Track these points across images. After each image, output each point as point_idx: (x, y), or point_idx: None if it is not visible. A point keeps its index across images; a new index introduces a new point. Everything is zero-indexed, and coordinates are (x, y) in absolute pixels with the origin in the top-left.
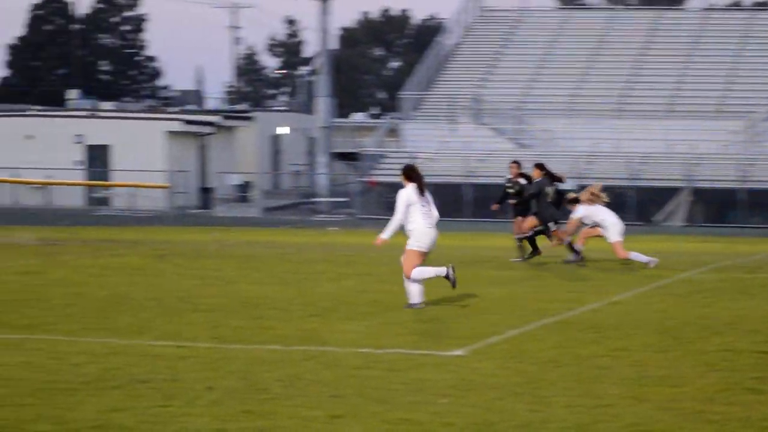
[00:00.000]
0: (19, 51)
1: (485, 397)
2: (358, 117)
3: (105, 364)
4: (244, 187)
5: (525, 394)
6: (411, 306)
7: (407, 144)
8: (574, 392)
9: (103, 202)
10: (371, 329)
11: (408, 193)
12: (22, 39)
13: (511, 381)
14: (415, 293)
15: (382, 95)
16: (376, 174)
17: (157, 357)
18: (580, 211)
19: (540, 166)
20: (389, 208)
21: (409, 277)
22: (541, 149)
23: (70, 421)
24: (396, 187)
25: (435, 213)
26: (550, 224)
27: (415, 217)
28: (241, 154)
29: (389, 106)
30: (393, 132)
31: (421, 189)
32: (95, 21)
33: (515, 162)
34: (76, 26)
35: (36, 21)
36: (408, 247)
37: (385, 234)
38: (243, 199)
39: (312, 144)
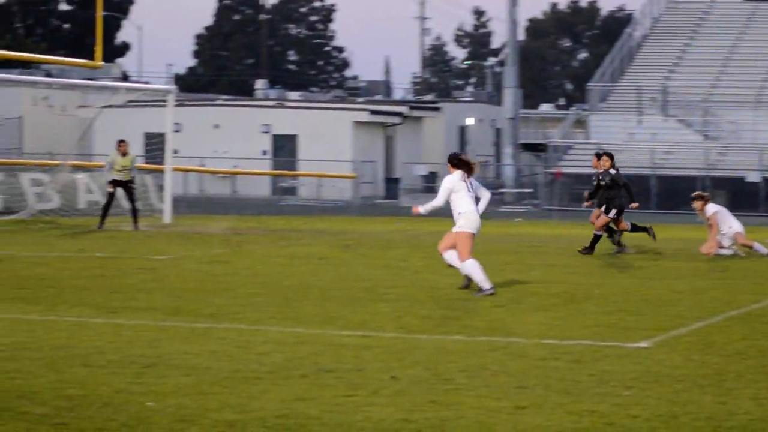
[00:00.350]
0: (206, 41)
1: (670, 389)
2: (544, 108)
3: (290, 353)
4: (430, 177)
5: (710, 386)
6: (483, 292)
7: (594, 135)
8: (760, 385)
9: (289, 191)
10: (557, 320)
11: (452, 179)
12: (209, 29)
13: (696, 373)
14: (482, 279)
15: (569, 86)
16: (562, 165)
17: (343, 347)
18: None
19: (611, 156)
20: (575, 199)
21: (464, 260)
22: (726, 141)
23: (254, 409)
24: (582, 178)
25: (486, 194)
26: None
27: (463, 202)
28: (428, 145)
29: (576, 98)
30: (580, 123)
31: (469, 175)
32: (283, 11)
33: (607, 154)
34: (264, 16)
35: (224, 11)
36: (459, 230)
37: (422, 208)
38: (429, 190)
39: (498, 135)
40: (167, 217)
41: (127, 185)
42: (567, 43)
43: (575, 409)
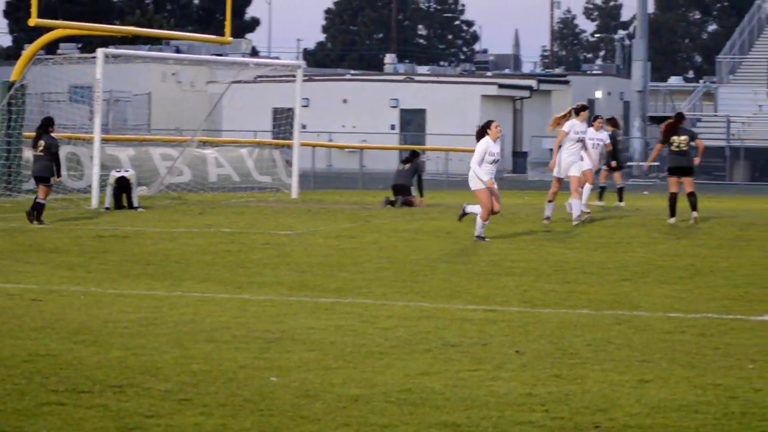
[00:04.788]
0: (335, 15)
1: None
2: (673, 81)
3: (415, 327)
4: None
5: None
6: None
7: (722, 108)
8: None
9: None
10: (683, 293)
11: (486, 143)
12: (338, 4)
13: None
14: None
15: (698, 59)
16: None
17: (467, 321)
18: None
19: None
20: (705, 172)
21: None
22: None
23: (378, 384)
24: (711, 150)
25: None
26: None
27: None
28: None
29: (705, 70)
30: (708, 96)
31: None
32: None
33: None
34: None
35: None
36: (479, 188)
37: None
38: None
39: (627, 108)
40: (294, 192)
41: None
42: (696, 15)
43: (699, 382)
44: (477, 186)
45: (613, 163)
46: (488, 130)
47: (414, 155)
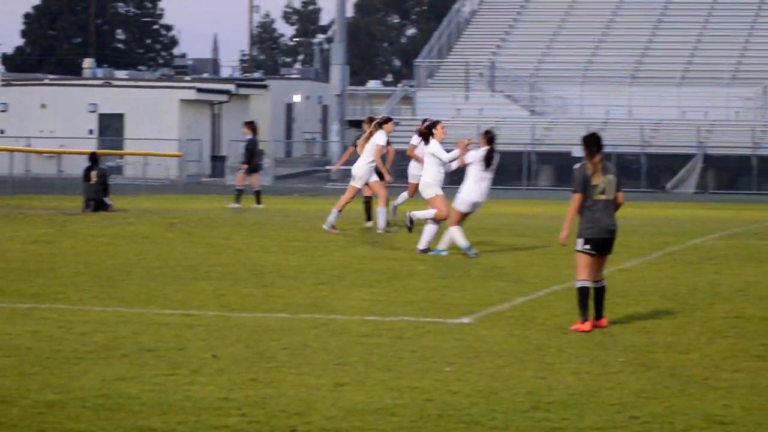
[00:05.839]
0: (34, 20)
1: (491, 364)
2: (372, 85)
3: (112, 332)
4: None
5: (531, 361)
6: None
7: (420, 111)
8: (581, 359)
9: (116, 170)
10: (380, 297)
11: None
12: (36, 8)
13: (517, 348)
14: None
15: (397, 63)
16: (391, 142)
17: (165, 325)
18: None
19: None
20: (402, 176)
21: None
22: (554, 116)
23: (75, 389)
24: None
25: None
26: None
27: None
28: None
29: (404, 74)
30: (407, 99)
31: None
32: None
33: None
34: None
35: None
36: (438, 194)
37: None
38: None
39: (326, 112)
40: None
41: None
42: (395, 19)
43: (396, 385)
44: (436, 192)
45: (244, 166)
46: (434, 131)
47: (93, 158)
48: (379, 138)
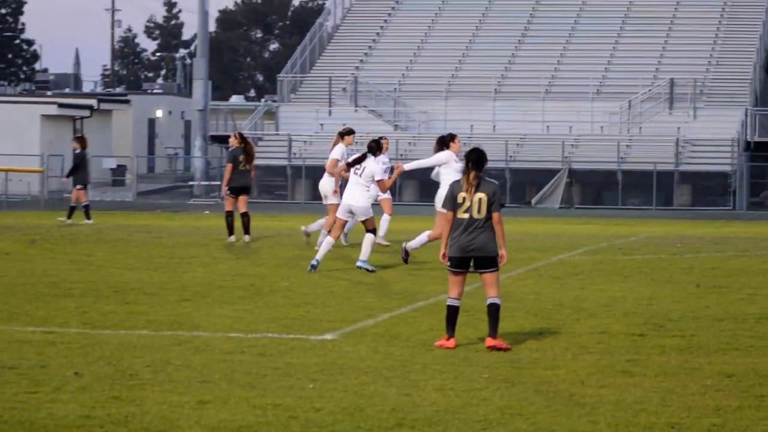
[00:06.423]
0: None
1: (355, 381)
2: (235, 100)
3: None
4: (119, 170)
5: (396, 377)
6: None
7: (283, 127)
8: (445, 376)
9: None
10: (243, 314)
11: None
12: None
13: (382, 365)
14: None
15: (260, 78)
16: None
17: (26, 343)
18: None
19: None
20: (266, 191)
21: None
22: (418, 131)
23: None
24: (272, 170)
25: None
26: None
27: None
28: (117, 138)
29: (267, 89)
30: (270, 114)
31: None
32: None
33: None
34: None
35: None
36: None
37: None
38: (117, 183)
39: (188, 127)
40: None
41: None
42: (258, 34)
43: (259, 402)
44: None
45: (65, 179)
46: (452, 143)
47: None
48: (336, 152)
